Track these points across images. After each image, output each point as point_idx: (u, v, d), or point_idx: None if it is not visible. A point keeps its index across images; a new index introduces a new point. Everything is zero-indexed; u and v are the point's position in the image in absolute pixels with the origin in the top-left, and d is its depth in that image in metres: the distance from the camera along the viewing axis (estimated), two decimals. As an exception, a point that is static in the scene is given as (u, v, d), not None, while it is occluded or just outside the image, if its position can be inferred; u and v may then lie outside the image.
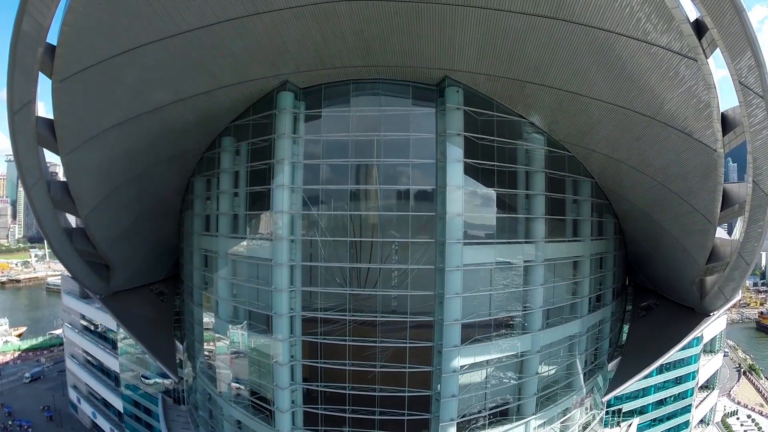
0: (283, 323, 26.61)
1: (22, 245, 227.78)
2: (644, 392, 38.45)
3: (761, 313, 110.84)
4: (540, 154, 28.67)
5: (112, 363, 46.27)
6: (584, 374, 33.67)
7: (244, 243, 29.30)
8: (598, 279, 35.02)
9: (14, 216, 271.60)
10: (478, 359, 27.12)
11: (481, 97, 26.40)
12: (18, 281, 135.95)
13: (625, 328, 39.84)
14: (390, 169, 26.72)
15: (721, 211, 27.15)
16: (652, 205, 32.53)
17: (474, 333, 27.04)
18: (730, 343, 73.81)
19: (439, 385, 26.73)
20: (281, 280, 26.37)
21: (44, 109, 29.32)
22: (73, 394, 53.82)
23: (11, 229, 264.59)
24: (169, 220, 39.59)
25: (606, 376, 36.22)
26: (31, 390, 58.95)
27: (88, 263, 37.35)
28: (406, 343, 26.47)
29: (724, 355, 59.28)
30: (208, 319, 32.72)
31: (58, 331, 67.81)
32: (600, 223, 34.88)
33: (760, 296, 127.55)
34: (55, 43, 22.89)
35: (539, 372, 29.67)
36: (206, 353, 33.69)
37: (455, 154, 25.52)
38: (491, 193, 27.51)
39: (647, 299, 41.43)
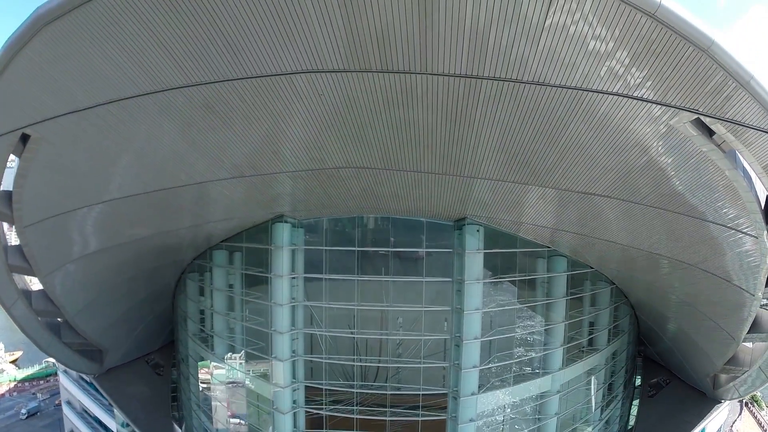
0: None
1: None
2: (649, 472, 38.15)
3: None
4: (561, 281, 26.40)
5: (109, 422, 45.45)
6: (592, 476, 33.04)
7: (242, 375, 27.31)
8: (612, 381, 33.74)
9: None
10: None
11: (503, 233, 23.85)
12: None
13: (634, 408, 38.97)
14: (401, 316, 24.43)
15: (748, 333, 26.00)
16: (673, 312, 30.83)
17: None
18: (728, 366, 73.80)
19: None
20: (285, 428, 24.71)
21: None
22: (72, 440, 53.43)
23: (7, 236, 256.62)
24: (163, 302, 37.33)
25: (613, 468, 35.70)
26: (28, 428, 58.34)
27: (79, 351, 35.57)
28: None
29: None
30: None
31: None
32: (616, 325, 33.15)
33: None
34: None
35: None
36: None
37: (474, 302, 23.16)
38: (507, 329, 25.47)
39: (657, 375, 40.42)
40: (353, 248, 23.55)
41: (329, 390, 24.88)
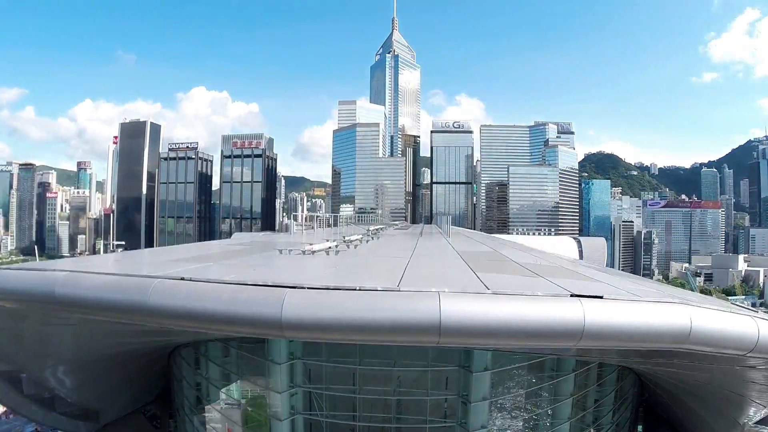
0: None
1: (14, 258, 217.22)
2: None
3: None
4: (570, 379, 25.48)
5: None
6: None
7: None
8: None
9: (6, 227, 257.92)
10: None
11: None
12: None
13: (635, 465, 38.89)
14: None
15: (756, 423, 25.77)
16: (682, 391, 30.22)
17: None
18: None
19: None
20: None
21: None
22: (72, 468, 53.53)
23: (3, 241, 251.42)
24: (158, 364, 36.35)
25: None
26: (28, 455, 58.47)
27: (74, 416, 34.88)
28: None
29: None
30: None
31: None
32: (623, 400, 32.54)
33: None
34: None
35: None
36: None
37: (480, 419, 22.33)
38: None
39: (659, 429, 40.18)
40: (354, 366, 22.41)
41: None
